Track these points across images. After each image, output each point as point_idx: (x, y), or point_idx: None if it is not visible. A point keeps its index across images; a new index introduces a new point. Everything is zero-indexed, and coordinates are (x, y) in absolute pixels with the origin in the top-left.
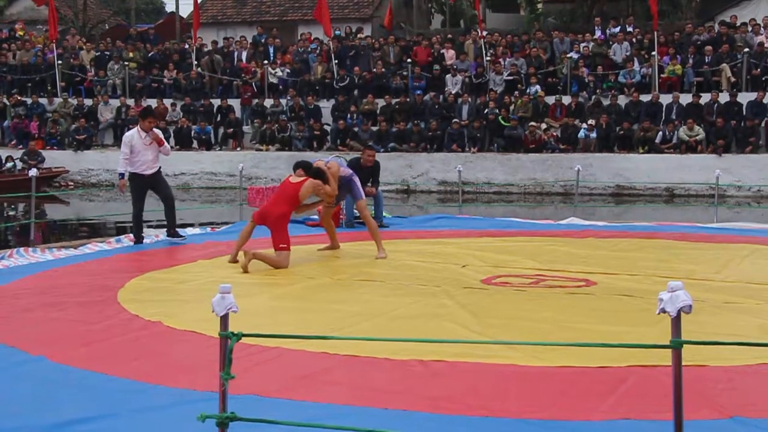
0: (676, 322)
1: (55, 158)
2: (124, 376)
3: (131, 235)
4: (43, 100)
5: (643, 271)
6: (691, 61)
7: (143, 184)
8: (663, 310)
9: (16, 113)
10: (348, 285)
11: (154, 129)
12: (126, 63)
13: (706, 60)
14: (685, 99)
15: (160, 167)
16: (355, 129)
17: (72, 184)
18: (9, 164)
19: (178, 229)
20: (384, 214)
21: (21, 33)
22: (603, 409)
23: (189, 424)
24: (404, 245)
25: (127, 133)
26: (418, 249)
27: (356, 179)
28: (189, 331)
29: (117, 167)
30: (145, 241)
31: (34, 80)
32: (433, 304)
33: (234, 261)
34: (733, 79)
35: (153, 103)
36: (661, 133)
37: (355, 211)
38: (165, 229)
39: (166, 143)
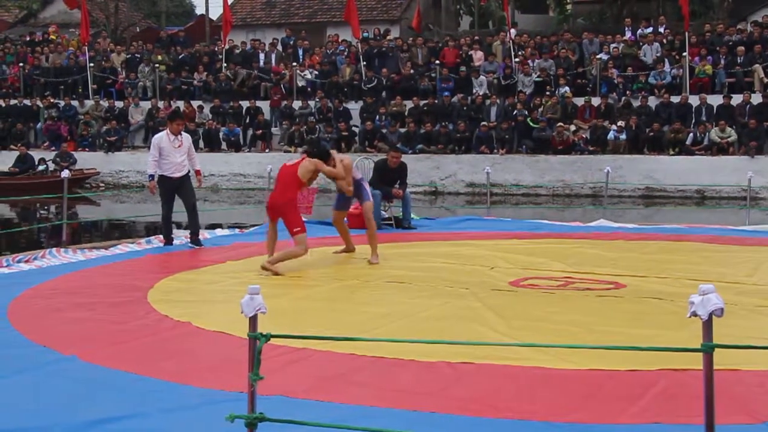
0: (708, 325)
1: (86, 160)
2: (153, 375)
3: (161, 236)
4: (75, 103)
5: (673, 274)
6: (722, 61)
7: (171, 187)
8: (694, 314)
9: (49, 115)
10: (376, 286)
11: (183, 134)
12: (156, 65)
13: (738, 61)
14: (717, 100)
15: (189, 171)
16: (383, 131)
17: (103, 185)
18: (42, 166)
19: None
20: (412, 215)
21: (54, 36)
22: (632, 412)
23: (218, 424)
24: (432, 247)
25: (156, 136)
26: (445, 251)
27: (366, 183)
28: (218, 331)
29: (147, 169)
30: (174, 242)
31: (66, 83)
32: (460, 306)
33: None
34: (765, 80)
35: (181, 105)
36: (692, 134)
37: (384, 212)
38: (207, 231)
39: (195, 156)
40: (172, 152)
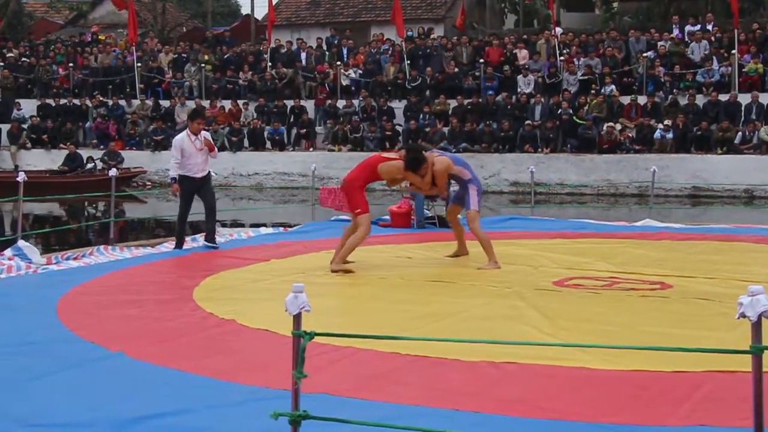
0: (757, 327)
1: (133, 158)
2: (199, 372)
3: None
4: (123, 102)
5: (721, 275)
6: None
7: (192, 187)
8: (743, 315)
9: (98, 114)
10: (419, 285)
11: (203, 132)
12: (202, 65)
13: None
14: (766, 98)
15: (209, 172)
16: (427, 129)
17: (150, 183)
18: (90, 164)
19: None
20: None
21: (102, 36)
22: (678, 414)
23: (262, 420)
24: (475, 246)
25: (177, 137)
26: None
27: (473, 188)
28: (262, 329)
29: (169, 171)
30: (220, 240)
31: (114, 82)
32: (504, 306)
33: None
34: None
35: (228, 104)
36: (740, 133)
37: (427, 211)
38: (251, 229)
39: (215, 148)
40: (194, 153)
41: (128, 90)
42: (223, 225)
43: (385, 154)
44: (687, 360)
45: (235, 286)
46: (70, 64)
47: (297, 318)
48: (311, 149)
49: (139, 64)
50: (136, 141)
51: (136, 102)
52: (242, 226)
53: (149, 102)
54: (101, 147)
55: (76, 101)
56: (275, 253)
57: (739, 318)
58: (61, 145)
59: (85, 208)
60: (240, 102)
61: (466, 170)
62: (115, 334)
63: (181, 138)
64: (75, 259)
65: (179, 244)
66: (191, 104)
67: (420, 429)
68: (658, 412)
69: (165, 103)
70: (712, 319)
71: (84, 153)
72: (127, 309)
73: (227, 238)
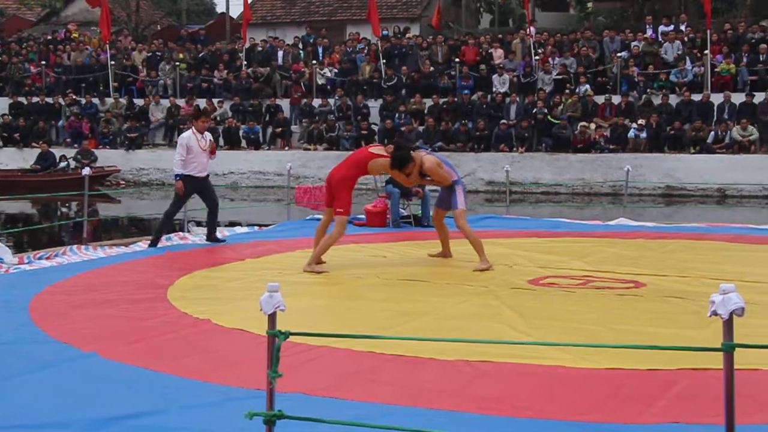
0: (728, 324)
1: (107, 157)
2: (173, 372)
3: (180, 234)
4: (96, 101)
5: (694, 273)
6: (745, 59)
7: (196, 187)
8: (714, 313)
9: (71, 113)
10: (395, 284)
11: (206, 133)
12: (177, 63)
13: (761, 58)
14: (739, 98)
15: (208, 172)
16: (402, 128)
17: (123, 182)
18: (63, 163)
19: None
20: (431, 214)
21: (75, 34)
22: (652, 412)
23: (237, 420)
24: (451, 245)
25: (183, 135)
26: (464, 249)
27: (459, 187)
28: (237, 329)
29: (174, 168)
30: (194, 239)
31: (87, 80)
32: (480, 305)
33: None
34: None
35: (202, 103)
36: (713, 133)
37: (403, 210)
38: (226, 229)
39: (216, 150)
40: (199, 152)
41: (102, 88)
42: (198, 224)
43: (372, 149)
44: (661, 358)
45: (210, 285)
46: (43, 62)
47: (272, 317)
48: (287, 148)
49: (113, 63)
50: (110, 140)
51: (109, 100)
52: (217, 225)
53: (123, 100)
54: (74, 145)
55: (49, 99)
56: (250, 253)
57: (711, 316)
58: (34, 144)
59: (58, 207)
60: (215, 100)
61: (452, 171)
62: (88, 334)
63: (188, 136)
64: (47, 258)
65: (155, 243)
66: (165, 103)
67: (395, 428)
68: (632, 409)
69: (139, 102)
70: (685, 317)
71: (57, 151)
72: (100, 309)
73: (202, 238)
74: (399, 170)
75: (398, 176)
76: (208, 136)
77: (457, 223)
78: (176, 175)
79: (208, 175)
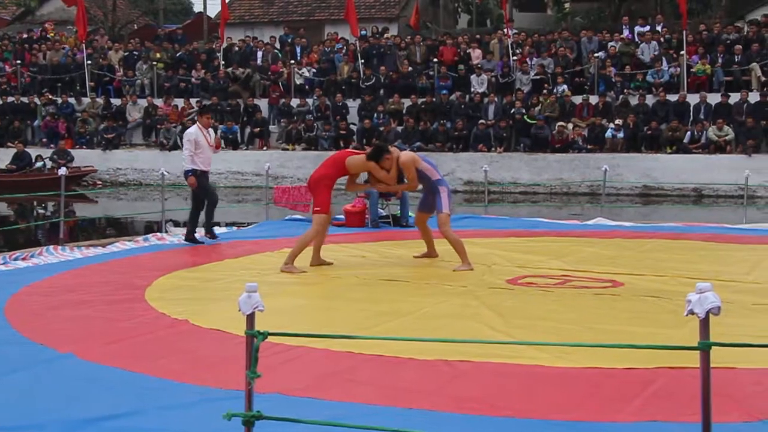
0: (705, 323)
1: (84, 157)
2: (151, 373)
3: (158, 234)
4: (73, 100)
5: (671, 272)
6: (720, 60)
7: (203, 181)
8: (691, 312)
9: (46, 112)
10: (374, 284)
11: (210, 129)
12: (154, 63)
13: (736, 59)
14: (714, 98)
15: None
16: (380, 128)
17: (100, 183)
18: (39, 163)
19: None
20: (410, 214)
21: (51, 34)
22: (630, 410)
23: (215, 421)
24: (442, 245)
25: (190, 131)
26: (443, 249)
27: (443, 189)
28: (215, 329)
29: (184, 165)
30: (172, 239)
31: (63, 80)
32: (458, 304)
33: (318, 263)
34: (763, 79)
35: (180, 102)
36: (689, 133)
37: (382, 210)
38: (176, 230)
39: (221, 145)
40: (206, 147)
41: (78, 88)
42: (176, 225)
43: (352, 150)
44: (638, 357)
45: (188, 286)
46: (18, 61)
47: (250, 318)
48: (265, 148)
49: (89, 62)
50: (87, 139)
51: (86, 100)
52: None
53: (100, 100)
54: (51, 145)
55: (24, 99)
56: (229, 253)
57: (687, 315)
58: (9, 144)
59: (34, 207)
60: (193, 100)
61: (434, 170)
62: (65, 335)
63: (195, 131)
64: (23, 259)
65: (194, 239)
66: (143, 103)
67: (373, 428)
68: (610, 408)
69: (116, 102)
70: (662, 316)
71: (33, 151)
72: (77, 310)
73: (180, 239)
74: (376, 162)
75: (377, 172)
76: (212, 131)
77: (441, 228)
78: (187, 171)
79: (208, 172)
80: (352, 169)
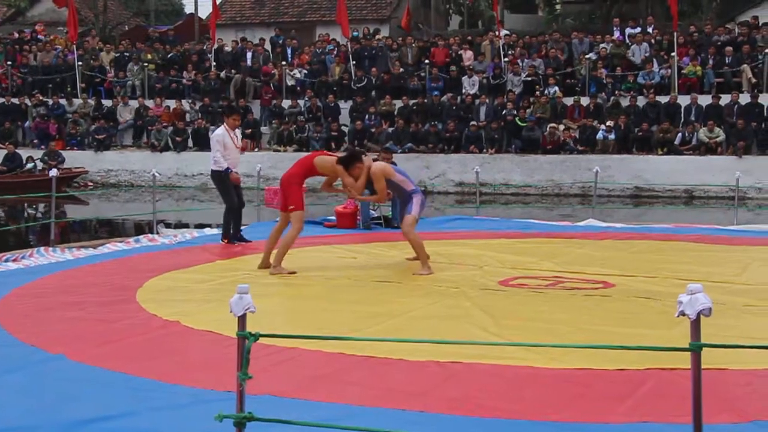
0: (696, 324)
1: (75, 158)
2: (142, 375)
3: (150, 235)
4: (64, 101)
5: (662, 274)
6: (711, 62)
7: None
8: (682, 313)
9: (37, 113)
10: (366, 286)
11: (237, 130)
12: (145, 64)
13: (727, 61)
14: (705, 100)
15: None
16: (372, 130)
17: (92, 184)
18: (30, 164)
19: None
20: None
21: (43, 35)
22: (621, 411)
23: (206, 423)
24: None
25: (218, 132)
26: (435, 250)
27: (417, 197)
28: (207, 331)
29: (220, 165)
30: (164, 241)
31: (54, 81)
32: (450, 306)
33: (265, 266)
34: (753, 80)
35: (172, 104)
36: (680, 134)
37: (373, 212)
38: (196, 230)
39: (246, 146)
40: (233, 148)
41: (69, 89)
42: (167, 225)
43: (324, 152)
44: (629, 358)
45: (180, 287)
46: (8, 62)
47: (242, 319)
48: (256, 149)
49: (80, 63)
50: (78, 141)
51: (77, 101)
52: (187, 226)
53: (91, 101)
54: (41, 147)
55: (15, 100)
56: (220, 254)
57: (678, 316)
58: (0, 145)
59: (25, 209)
60: (184, 101)
61: (408, 181)
62: (56, 336)
63: (222, 133)
64: (14, 261)
65: (233, 237)
66: (134, 104)
67: (364, 429)
68: (601, 409)
69: (107, 103)
70: (653, 317)
71: (23, 153)
72: (68, 311)
73: (172, 239)
74: (345, 169)
75: (343, 177)
76: (239, 132)
77: (404, 228)
78: (226, 169)
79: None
80: (320, 169)
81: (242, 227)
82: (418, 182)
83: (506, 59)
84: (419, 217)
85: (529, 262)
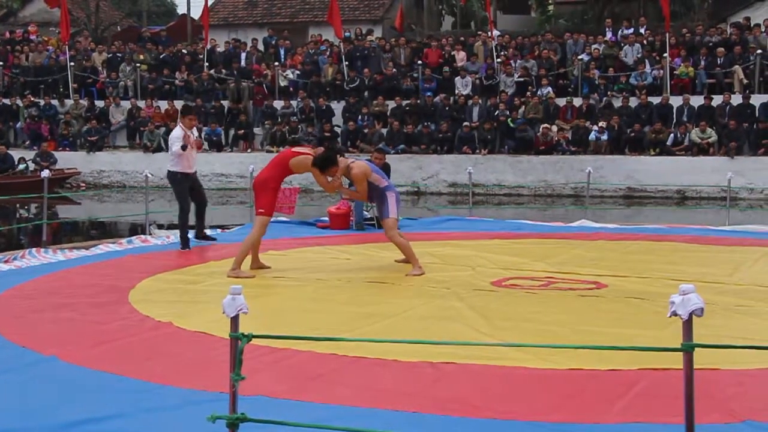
0: (688, 325)
1: (67, 159)
2: (134, 376)
3: (142, 236)
4: (56, 102)
5: (654, 274)
6: (703, 62)
7: (189, 183)
8: (674, 313)
9: (29, 114)
10: (358, 287)
11: (194, 129)
12: (137, 65)
13: (719, 62)
14: (697, 101)
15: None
16: (365, 131)
17: (84, 185)
18: (22, 165)
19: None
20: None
21: (36, 36)
22: (613, 412)
23: (199, 424)
24: (414, 247)
25: (175, 133)
26: (428, 251)
27: (390, 195)
28: (199, 332)
29: (176, 152)
30: (156, 242)
31: (46, 82)
32: (442, 306)
33: (257, 267)
34: (745, 81)
35: (164, 104)
36: (672, 135)
37: (366, 212)
38: (189, 231)
39: (202, 145)
40: (191, 149)
41: (61, 90)
42: (160, 227)
43: (296, 149)
44: (622, 358)
45: (172, 288)
46: (0, 63)
47: (234, 320)
48: (249, 150)
49: (72, 64)
50: (70, 142)
51: (69, 102)
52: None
53: (83, 102)
54: (33, 147)
55: (7, 101)
56: (213, 255)
57: (670, 316)
58: None
59: (17, 209)
60: (176, 102)
61: (381, 178)
62: (48, 337)
63: (180, 134)
64: (6, 262)
65: (187, 243)
66: (126, 104)
67: (357, 430)
68: (594, 409)
69: (99, 104)
70: (646, 317)
71: (15, 154)
72: (60, 312)
73: (164, 241)
74: (320, 171)
75: (317, 177)
76: (195, 131)
77: (387, 234)
78: (183, 146)
79: (196, 172)
80: (295, 169)
81: (237, 227)
82: (411, 183)
83: (499, 60)
84: (399, 216)
85: (521, 263)
